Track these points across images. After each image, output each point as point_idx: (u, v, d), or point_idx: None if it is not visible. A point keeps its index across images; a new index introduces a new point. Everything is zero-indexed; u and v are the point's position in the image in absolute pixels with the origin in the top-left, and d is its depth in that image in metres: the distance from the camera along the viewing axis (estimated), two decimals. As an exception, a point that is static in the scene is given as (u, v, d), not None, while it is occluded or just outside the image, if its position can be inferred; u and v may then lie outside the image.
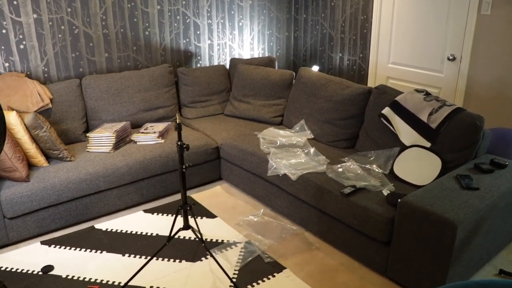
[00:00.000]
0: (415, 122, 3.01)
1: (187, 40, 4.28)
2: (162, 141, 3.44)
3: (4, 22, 3.35)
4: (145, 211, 3.29)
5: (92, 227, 3.09)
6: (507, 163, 2.73)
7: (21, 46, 3.46)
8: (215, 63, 4.55)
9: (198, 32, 4.33)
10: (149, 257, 2.71)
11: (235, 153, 3.43)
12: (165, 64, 3.94)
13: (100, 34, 3.77)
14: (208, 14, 4.34)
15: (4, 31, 3.36)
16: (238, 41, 4.64)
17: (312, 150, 3.23)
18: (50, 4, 3.49)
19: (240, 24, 4.60)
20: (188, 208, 2.44)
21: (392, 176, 2.89)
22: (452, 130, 2.82)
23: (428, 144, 2.92)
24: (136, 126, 3.78)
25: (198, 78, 4.04)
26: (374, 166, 2.97)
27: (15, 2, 3.34)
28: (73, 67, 3.72)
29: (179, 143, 2.33)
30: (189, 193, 3.55)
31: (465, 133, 2.76)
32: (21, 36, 3.44)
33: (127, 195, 3.25)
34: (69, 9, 3.58)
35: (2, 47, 3.38)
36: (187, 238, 2.94)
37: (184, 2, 4.15)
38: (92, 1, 3.66)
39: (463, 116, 2.81)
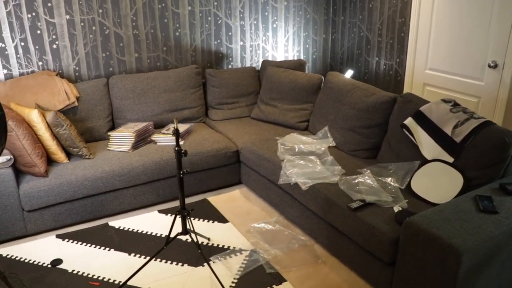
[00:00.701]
0: (438, 134, 2.79)
1: (219, 41, 4.27)
2: (181, 142, 3.45)
3: (39, 23, 3.50)
4: (160, 211, 3.32)
5: (106, 224, 3.16)
6: (539, 185, 2.46)
7: (54, 46, 3.61)
8: (247, 64, 4.51)
9: (230, 33, 4.31)
10: (149, 258, 2.72)
11: (253, 158, 3.37)
12: (192, 65, 3.96)
13: (130, 34, 3.86)
14: (241, 15, 4.31)
15: (38, 31, 3.52)
16: (272, 42, 4.57)
17: (329, 159, 3.10)
18: (82, 5, 3.61)
19: (274, 25, 4.52)
20: (186, 214, 2.42)
21: (408, 191, 2.71)
22: (478, 145, 2.58)
23: (451, 159, 2.70)
24: (161, 126, 3.82)
25: (226, 80, 4.02)
26: (391, 179, 2.80)
27: (49, 4, 3.49)
28: (103, 66, 3.83)
29: (176, 148, 2.31)
30: (207, 196, 3.54)
31: (492, 149, 2.52)
32: (54, 36, 3.58)
33: (142, 194, 3.29)
34: (100, 10, 3.69)
35: (37, 47, 3.55)
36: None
37: (216, 3, 4.14)
38: (123, 2, 3.75)
39: (491, 131, 2.57)
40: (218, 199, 3.49)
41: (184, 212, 2.42)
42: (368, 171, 2.92)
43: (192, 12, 4.06)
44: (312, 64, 4.88)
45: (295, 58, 4.75)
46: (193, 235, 2.45)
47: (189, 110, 3.90)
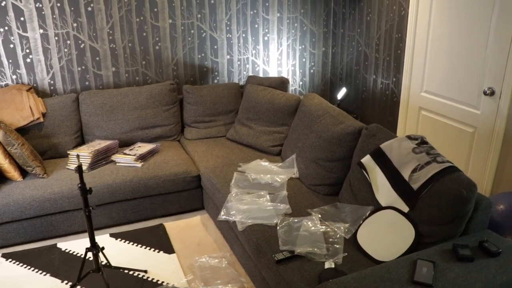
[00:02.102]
0: (396, 178, 2.44)
1: (203, 55, 4.09)
2: (139, 165, 3.31)
3: (12, 37, 3.50)
4: (112, 235, 3.20)
5: (55, 245, 3.09)
6: (500, 250, 2.06)
7: (28, 60, 3.59)
8: (236, 79, 4.29)
9: (215, 47, 4.11)
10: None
11: (209, 186, 3.16)
12: (167, 81, 3.80)
13: (106, 48, 3.77)
14: (227, 28, 4.09)
15: (11, 45, 3.52)
16: (263, 56, 4.31)
17: (282, 194, 2.82)
18: (56, 19, 3.56)
19: (266, 38, 4.26)
20: (94, 252, 2.27)
21: (353, 242, 2.38)
22: (433, 196, 2.21)
23: (406, 209, 2.34)
24: (130, 144, 3.71)
25: (203, 97, 3.83)
26: (339, 225, 2.48)
27: (22, 18, 3.48)
28: (79, 80, 3.78)
29: (79, 185, 2.16)
30: (166, 221, 3.38)
31: (448, 204, 2.14)
32: (27, 50, 3.57)
33: (95, 216, 3.19)
34: (75, 24, 3.62)
35: (10, 61, 3.55)
36: (131, 273, 2.78)
37: (199, 16, 3.96)
38: (99, 16, 3.66)
39: (450, 180, 2.19)
40: (174, 225, 3.31)
41: (94, 250, 2.27)
42: (318, 213, 2.61)
43: (173, 25, 3.91)
44: (309, 79, 4.57)
45: (289, 73, 4.46)
46: (104, 275, 2.31)
47: (161, 128, 3.75)
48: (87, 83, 3.81)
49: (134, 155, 3.33)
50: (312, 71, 4.56)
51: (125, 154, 3.37)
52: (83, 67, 3.76)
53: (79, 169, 2.13)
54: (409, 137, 2.53)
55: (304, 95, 3.43)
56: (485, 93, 3.04)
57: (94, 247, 2.27)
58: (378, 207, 2.46)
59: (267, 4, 4.14)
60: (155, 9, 3.80)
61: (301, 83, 4.54)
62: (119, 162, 3.36)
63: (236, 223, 2.61)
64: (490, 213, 2.26)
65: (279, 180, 3.00)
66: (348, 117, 2.96)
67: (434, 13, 3.37)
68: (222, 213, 2.73)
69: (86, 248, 2.30)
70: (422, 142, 2.50)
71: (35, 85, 3.67)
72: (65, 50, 3.66)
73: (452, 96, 3.34)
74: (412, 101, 3.71)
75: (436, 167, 2.29)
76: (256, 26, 4.18)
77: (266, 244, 2.37)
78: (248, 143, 3.63)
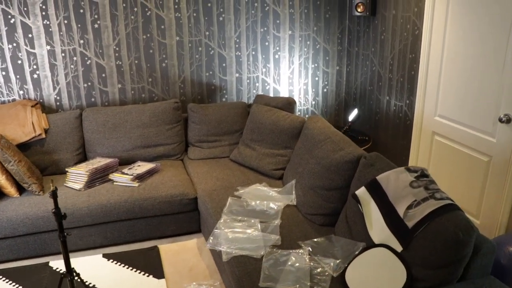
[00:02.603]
0: (390, 214, 2.25)
1: (210, 72, 4.02)
2: (136, 185, 3.25)
3: (20, 54, 3.54)
4: (105, 255, 3.14)
5: (47, 263, 3.05)
6: (500, 301, 1.85)
7: (35, 76, 3.62)
8: (245, 98, 4.19)
9: (223, 65, 4.03)
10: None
11: (203, 210, 3.06)
12: (171, 100, 3.75)
13: (113, 65, 3.76)
14: (237, 46, 4.01)
15: (19, 61, 3.56)
16: (274, 75, 4.20)
17: (274, 223, 2.68)
18: (63, 36, 3.58)
19: (277, 56, 4.15)
20: (69, 279, 2.19)
21: (340, 281, 2.21)
22: (429, 236, 2.02)
23: (399, 248, 2.16)
24: (132, 162, 3.66)
25: (208, 116, 3.74)
26: (329, 261, 2.32)
27: (30, 35, 3.51)
28: (85, 96, 3.78)
29: (53, 210, 2.09)
30: (161, 243, 3.29)
31: (443, 246, 1.95)
32: (35, 66, 3.60)
33: (88, 236, 3.15)
34: (81, 41, 3.63)
35: (17, 76, 3.59)
36: (115, 300, 2.70)
37: (207, 33, 3.90)
38: (105, 33, 3.66)
39: (446, 220, 1.99)
40: (169, 248, 3.22)
41: (69, 277, 2.20)
42: (308, 247, 2.46)
43: (181, 43, 3.86)
44: (322, 98, 4.41)
45: (301, 92, 4.32)
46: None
47: (164, 147, 3.69)
48: (93, 99, 3.80)
49: (132, 175, 3.28)
50: (325, 90, 4.40)
51: (123, 173, 3.32)
52: (89, 83, 3.76)
53: (53, 194, 2.07)
54: (408, 169, 2.34)
55: (308, 118, 3.29)
56: (500, 120, 2.81)
57: (70, 273, 2.20)
58: (371, 244, 2.28)
59: (278, 21, 4.04)
60: (162, 26, 3.76)
61: (313, 102, 4.40)
62: (116, 181, 3.31)
63: (221, 253, 2.49)
64: (493, 258, 2.04)
65: (275, 208, 2.86)
66: (349, 144, 2.79)
67: (448, 33, 3.17)
68: (209, 240, 2.62)
69: (61, 274, 2.23)
70: (422, 175, 2.30)
71: (41, 100, 3.70)
72: (72, 66, 3.68)
73: (467, 122, 3.12)
74: (425, 125, 3.50)
75: (433, 204, 2.10)
76: (267, 43, 4.08)
77: (248, 278, 2.23)
78: (251, 166, 3.50)
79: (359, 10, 3.91)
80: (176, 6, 3.75)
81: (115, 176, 3.30)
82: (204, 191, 3.21)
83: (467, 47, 3.03)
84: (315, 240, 2.53)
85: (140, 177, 3.31)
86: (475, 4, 2.93)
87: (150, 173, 3.41)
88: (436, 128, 3.40)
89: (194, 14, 3.81)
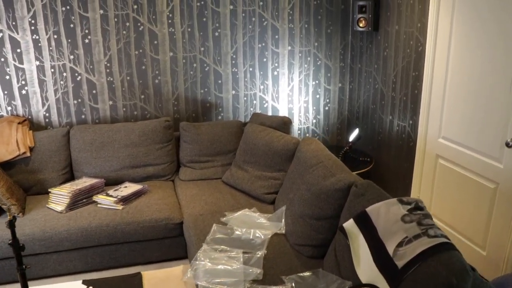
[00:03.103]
0: (379, 250, 2.04)
1: (206, 89, 3.87)
2: (120, 208, 3.10)
3: (8, 69, 3.45)
4: (85, 281, 2.97)
5: (24, 291, 2.91)
6: None
7: (23, 92, 3.53)
8: (241, 116, 4.03)
9: (219, 81, 3.88)
10: None
11: (187, 236, 2.89)
12: (162, 118, 3.60)
13: (104, 81, 3.64)
14: (233, 62, 3.86)
15: (7, 77, 3.47)
16: (272, 92, 4.03)
17: (258, 255, 2.49)
18: (52, 51, 3.48)
19: (275, 73, 3.98)
20: (28, 316, 2.03)
21: (323, 325, 2.00)
22: (419, 280, 1.80)
23: (388, 290, 1.94)
24: (120, 182, 3.51)
25: (200, 136, 3.59)
26: (312, 301, 2.11)
27: (18, 50, 3.42)
28: (75, 113, 3.67)
29: (10, 242, 1.95)
30: (146, 269, 3.12)
31: (434, 292, 1.73)
32: (23, 82, 3.51)
33: (68, 261, 3.00)
34: (71, 57, 3.53)
35: (5, 92, 3.50)
36: (89, 333, 2.53)
37: (202, 49, 3.76)
38: (96, 48, 3.55)
39: (439, 263, 1.77)
40: (153, 276, 3.04)
41: (29, 314, 2.04)
42: (292, 282, 2.25)
43: (174, 58, 3.73)
44: (323, 117, 4.22)
45: (301, 110, 4.13)
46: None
47: (154, 167, 3.54)
48: (83, 116, 3.69)
49: (116, 197, 3.13)
50: (327, 108, 4.21)
51: (107, 195, 3.18)
52: (79, 100, 3.65)
53: (10, 224, 1.92)
54: (401, 201, 2.13)
55: (302, 139, 3.10)
56: (508, 145, 2.58)
57: (30, 309, 2.05)
58: (356, 284, 2.07)
59: (276, 36, 3.88)
60: (155, 42, 3.64)
61: (314, 121, 4.21)
62: (100, 204, 3.16)
63: (199, 287, 2.30)
64: (493, 306, 1.81)
65: (261, 237, 2.67)
66: (342, 169, 2.59)
67: (452, 51, 2.96)
68: (188, 271, 2.44)
69: (21, 309, 2.07)
70: (416, 207, 2.09)
71: (29, 117, 3.60)
72: (61, 82, 3.57)
73: (472, 146, 2.89)
74: (429, 147, 3.27)
75: (426, 242, 1.88)
76: (265, 60, 3.92)
77: (221, 319, 2.04)
78: (242, 189, 3.32)
79: (361, 25, 3.73)
80: (169, 21, 3.62)
81: (99, 198, 3.16)
82: (190, 215, 3.04)
83: (472, 66, 2.81)
84: (301, 274, 2.33)
85: (125, 200, 3.16)
86: (480, 21, 2.72)
87: (136, 195, 3.26)
88: (440, 151, 3.17)
89: (189, 29, 3.68)
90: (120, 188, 3.30)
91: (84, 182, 3.27)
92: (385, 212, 2.11)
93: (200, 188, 3.41)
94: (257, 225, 2.82)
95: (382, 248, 2.03)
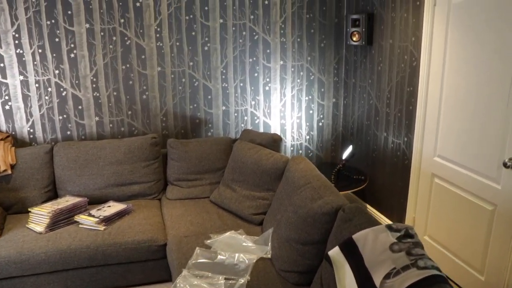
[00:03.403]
0: (365, 282, 1.91)
1: (195, 105, 3.76)
2: (102, 228, 2.98)
3: (-9, 84, 3.37)
4: (63, 308, 2.85)
5: (-1, 316, 2.79)
6: None
7: (7, 107, 3.44)
8: (232, 133, 3.91)
9: (209, 97, 3.78)
10: None
11: (170, 260, 2.76)
12: (149, 135, 3.49)
13: (90, 96, 3.55)
14: (223, 77, 3.76)
15: (-10, 92, 3.38)
16: (264, 107, 3.92)
17: (240, 282, 2.35)
18: (37, 66, 3.40)
19: (267, 88, 3.88)
20: None
21: None
22: (407, 316, 1.67)
23: (374, 325, 1.80)
24: (105, 201, 3.40)
25: (188, 153, 3.47)
26: (295, 335, 1.98)
27: (1, 65, 3.34)
28: (61, 129, 3.57)
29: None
30: (128, 293, 3.00)
31: (422, 330, 1.60)
32: (7, 97, 3.42)
33: (47, 284, 2.87)
34: (56, 71, 3.44)
35: (-12, 108, 3.41)
36: None
37: (191, 64, 3.66)
38: (82, 63, 3.46)
39: (427, 297, 1.64)
40: (134, 301, 2.92)
41: None
42: (275, 312, 2.12)
43: (162, 73, 3.63)
44: (317, 133, 4.10)
45: (294, 126, 4.02)
46: None
47: (140, 185, 3.42)
48: (68, 132, 3.59)
49: (98, 217, 3.01)
50: (320, 124, 4.10)
51: (89, 215, 3.06)
52: (65, 116, 3.55)
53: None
54: (390, 228, 2.00)
55: (291, 158, 2.99)
56: (505, 165, 2.45)
57: None
58: (343, 317, 1.93)
59: (268, 50, 3.78)
60: (143, 56, 3.55)
61: (308, 137, 4.09)
62: (82, 224, 3.04)
63: (175, 318, 2.17)
64: None
65: (246, 262, 2.54)
66: (331, 191, 2.47)
67: (447, 65, 2.85)
68: (165, 301, 2.31)
69: None
70: (406, 235, 1.96)
71: (13, 133, 3.50)
72: (46, 97, 3.48)
73: (468, 165, 2.76)
74: (424, 166, 3.14)
75: (415, 274, 1.75)
76: (256, 74, 3.82)
77: None
78: (230, 209, 3.20)
79: (354, 39, 3.63)
80: (157, 35, 3.53)
81: (81, 218, 3.04)
82: (174, 237, 2.92)
83: (468, 82, 2.70)
84: (285, 304, 2.20)
85: (107, 220, 3.04)
86: (476, 34, 2.61)
87: (119, 215, 3.14)
88: (436, 170, 3.04)
89: (177, 43, 3.59)
90: (103, 207, 3.19)
91: (66, 201, 3.15)
92: (373, 240, 1.98)
93: (186, 207, 3.29)
94: (242, 249, 2.69)
95: (369, 279, 1.89)
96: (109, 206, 3.21)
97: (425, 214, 3.21)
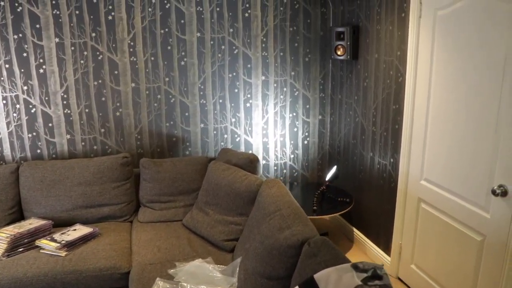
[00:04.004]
0: (325, 328, 1.69)
1: (171, 123, 3.59)
2: (63, 254, 2.79)
3: (-44, 100, 3.23)
4: None
5: None
6: None
7: (-27, 125, 3.29)
8: (211, 151, 3.72)
9: (186, 114, 3.60)
10: None
11: (130, 292, 2.56)
12: (120, 154, 3.31)
13: (60, 113, 3.39)
14: (201, 93, 3.58)
15: (-44, 109, 3.24)
16: (245, 125, 3.73)
17: (198, 320, 2.15)
18: (4, 82, 3.25)
19: (248, 104, 3.69)
20: None
21: None
22: None
23: None
24: (73, 223, 3.21)
25: (161, 174, 3.29)
26: None
27: (-33, 80, 3.20)
28: (30, 148, 3.41)
29: None
30: (90, 325, 2.78)
31: None
32: (-27, 115, 3.27)
33: (1, 317, 2.68)
34: (25, 87, 3.29)
35: (-46, 125, 3.26)
36: None
37: (167, 79, 3.49)
38: (52, 79, 3.31)
39: None
40: (95, 335, 2.71)
41: None
42: None
43: (137, 90, 3.47)
44: (302, 151, 3.90)
45: (278, 144, 3.82)
46: None
47: (110, 207, 3.24)
48: (38, 151, 3.43)
49: (60, 242, 2.82)
50: (306, 142, 3.89)
51: (52, 239, 2.87)
52: (34, 133, 3.39)
53: None
54: (356, 267, 1.78)
55: (264, 181, 2.78)
56: (494, 193, 2.22)
57: None
58: None
59: (249, 65, 3.60)
60: (116, 72, 3.39)
61: (292, 156, 3.88)
62: (43, 249, 2.86)
63: None
64: None
65: (208, 295, 2.33)
66: (300, 220, 2.26)
67: (434, 80, 2.65)
68: None
69: None
70: (374, 276, 1.74)
71: (-20, 152, 3.35)
72: (14, 115, 3.33)
73: (456, 190, 2.53)
74: (410, 189, 2.92)
75: (378, 323, 1.53)
76: (236, 90, 3.64)
77: None
78: (201, 234, 3.00)
79: (338, 53, 3.44)
80: (131, 50, 3.37)
81: (42, 243, 2.86)
82: (139, 264, 2.72)
83: (455, 101, 2.49)
84: None
85: (70, 245, 2.85)
86: (463, 49, 2.40)
87: (84, 239, 2.95)
88: (422, 194, 2.81)
89: (152, 58, 3.42)
90: (68, 231, 3.00)
91: (29, 224, 2.98)
92: (336, 281, 1.76)
93: (157, 231, 3.09)
94: (207, 279, 2.47)
95: (327, 326, 1.67)
96: (74, 230, 3.02)
97: (411, 241, 2.98)
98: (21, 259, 2.76)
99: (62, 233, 2.97)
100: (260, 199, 2.65)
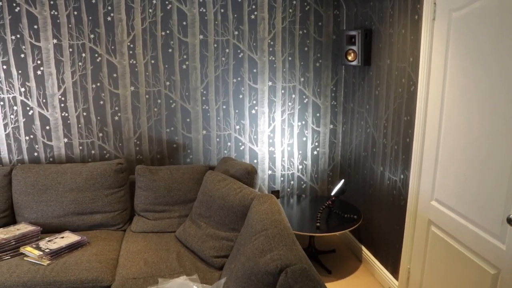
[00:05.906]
0: None
1: (172, 128, 3.43)
2: (45, 263, 2.67)
3: (-45, 101, 3.19)
4: None
5: None
6: None
7: (-29, 126, 3.25)
8: (214, 160, 3.54)
9: (188, 120, 3.44)
10: None
11: (106, 309, 2.40)
12: (114, 160, 3.18)
13: (58, 116, 3.30)
14: (204, 98, 3.41)
15: (-45, 109, 3.21)
16: (250, 133, 3.52)
17: None
18: (1, 83, 3.19)
19: (253, 111, 3.49)
20: None
21: None
22: None
23: None
24: (65, 230, 3.10)
25: (156, 182, 3.13)
26: None
27: (-34, 81, 3.16)
28: (27, 150, 3.34)
29: None
30: None
31: None
32: (-29, 116, 3.23)
33: (-21, 327, 2.59)
34: (22, 89, 3.22)
35: (-47, 126, 3.23)
36: None
37: (168, 83, 3.34)
38: (49, 81, 3.23)
39: None
40: None
41: None
42: None
43: (136, 93, 3.33)
44: (311, 162, 3.65)
45: (285, 154, 3.60)
46: None
47: (102, 215, 3.11)
48: (36, 154, 3.35)
49: (44, 250, 2.71)
50: (315, 152, 3.64)
51: (36, 247, 2.77)
52: (32, 136, 3.31)
53: None
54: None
55: (257, 196, 2.57)
56: (510, 222, 1.92)
57: None
58: None
59: (255, 70, 3.41)
60: (115, 75, 3.27)
61: (300, 167, 3.65)
62: (27, 256, 2.75)
63: None
64: None
65: (183, 320, 2.14)
66: (285, 244, 2.03)
67: (447, 92, 2.37)
68: None
69: None
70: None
71: (-22, 154, 3.30)
72: (12, 116, 3.26)
73: (468, 215, 2.24)
74: (420, 210, 2.63)
75: None
76: (241, 96, 3.45)
77: None
78: (192, 248, 2.81)
79: (349, 58, 3.19)
80: (131, 52, 3.25)
81: (26, 250, 2.75)
82: (122, 278, 2.56)
83: (471, 115, 2.20)
84: None
85: (53, 254, 2.73)
86: (481, 56, 2.12)
87: (70, 248, 2.82)
88: (433, 216, 2.52)
89: (152, 61, 3.28)
90: (55, 238, 2.89)
91: (17, 230, 2.88)
92: (307, 318, 1.53)
93: (148, 242, 2.93)
94: (187, 302, 2.29)
95: None
96: (62, 237, 2.91)
97: (420, 266, 2.68)
98: (2, 266, 2.66)
99: (49, 240, 2.86)
100: (250, 216, 2.45)
